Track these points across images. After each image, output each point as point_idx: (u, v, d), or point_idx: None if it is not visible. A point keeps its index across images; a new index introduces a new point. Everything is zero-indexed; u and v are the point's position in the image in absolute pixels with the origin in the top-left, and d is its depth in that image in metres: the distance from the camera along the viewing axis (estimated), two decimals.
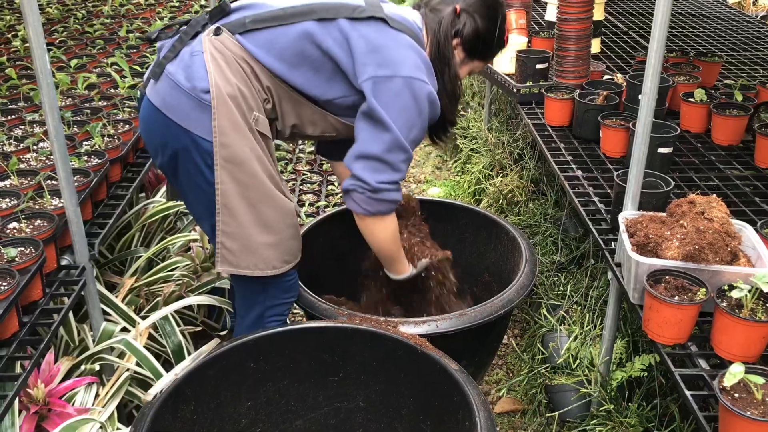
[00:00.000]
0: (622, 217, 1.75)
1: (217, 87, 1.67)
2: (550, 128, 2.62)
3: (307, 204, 3.49)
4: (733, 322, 1.42)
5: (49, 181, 2.03)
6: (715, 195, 1.68)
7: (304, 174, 3.84)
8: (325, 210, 3.44)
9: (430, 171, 4.15)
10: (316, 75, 1.76)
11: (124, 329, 2.07)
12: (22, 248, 1.73)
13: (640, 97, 2.37)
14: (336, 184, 3.71)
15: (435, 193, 3.83)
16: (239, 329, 1.97)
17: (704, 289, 1.51)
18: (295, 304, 1.98)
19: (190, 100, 1.68)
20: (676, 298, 1.50)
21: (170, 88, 1.70)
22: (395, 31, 1.75)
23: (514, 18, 3.24)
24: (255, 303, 1.91)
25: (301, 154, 4.09)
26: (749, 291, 1.41)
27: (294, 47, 1.73)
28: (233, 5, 1.82)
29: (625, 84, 2.58)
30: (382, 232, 1.87)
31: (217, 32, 1.73)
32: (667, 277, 1.56)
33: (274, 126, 1.85)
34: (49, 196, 1.96)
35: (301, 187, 3.68)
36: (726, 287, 1.49)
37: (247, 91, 1.72)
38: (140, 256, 2.48)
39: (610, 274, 1.87)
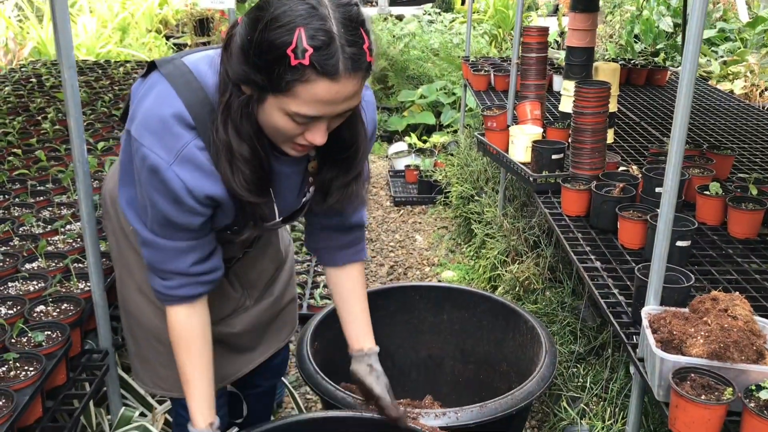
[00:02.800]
0: (645, 312, 1.76)
1: (104, 184, 1.64)
2: (567, 218, 2.66)
3: (321, 286, 3.50)
4: (762, 423, 1.40)
5: (76, 264, 2.06)
6: (737, 293, 1.69)
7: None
8: None
9: (443, 254, 4.17)
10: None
11: (142, 413, 2.06)
12: (49, 332, 1.74)
13: (657, 190, 2.43)
14: None
15: (449, 276, 3.84)
16: None
17: (731, 389, 1.50)
18: (311, 391, 1.96)
19: None
20: (704, 397, 1.49)
21: None
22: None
23: (529, 109, 3.34)
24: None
25: None
26: None
27: None
28: None
29: (640, 176, 2.63)
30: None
31: None
32: (692, 375, 1.56)
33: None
34: (76, 280, 1.98)
35: (315, 268, 3.70)
36: (753, 387, 1.48)
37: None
38: None
39: (632, 369, 1.86)
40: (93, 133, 3.30)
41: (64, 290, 1.95)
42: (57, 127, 3.34)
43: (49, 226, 2.31)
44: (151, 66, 1.41)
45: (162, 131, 1.29)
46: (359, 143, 1.42)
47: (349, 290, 1.75)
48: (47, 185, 2.68)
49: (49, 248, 2.16)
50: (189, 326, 1.48)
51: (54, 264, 2.08)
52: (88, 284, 1.91)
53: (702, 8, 1.53)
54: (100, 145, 3.05)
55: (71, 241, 2.23)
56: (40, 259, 2.08)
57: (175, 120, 1.29)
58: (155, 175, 1.31)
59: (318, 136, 1.26)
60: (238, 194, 1.33)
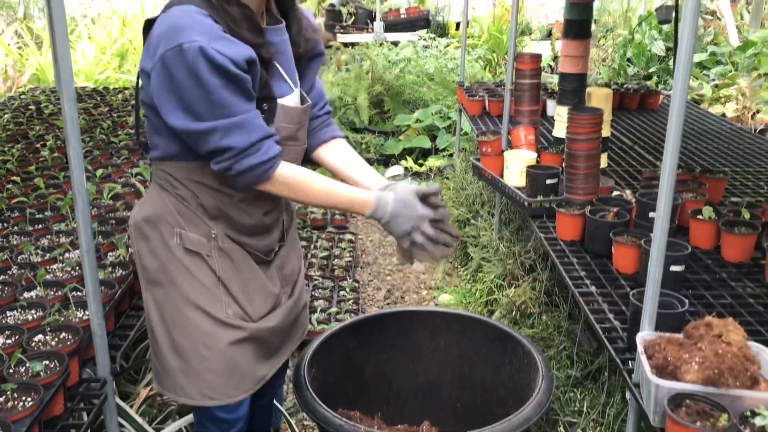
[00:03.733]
0: (640, 338, 1.77)
1: (133, 214, 1.74)
2: (562, 243, 2.68)
3: (318, 310, 3.50)
4: None
5: (74, 293, 2.07)
6: (731, 318, 1.71)
7: (315, 279, 3.88)
8: (337, 317, 3.46)
9: (440, 277, 4.18)
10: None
11: None
12: (47, 362, 1.75)
13: (651, 214, 2.46)
14: (348, 290, 3.74)
15: (446, 300, 3.85)
16: None
17: (726, 415, 1.51)
18: (308, 418, 1.97)
19: None
20: (699, 423, 1.51)
21: None
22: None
23: (523, 134, 3.38)
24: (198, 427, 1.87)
25: (313, 259, 4.14)
26: None
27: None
28: None
29: (634, 201, 2.65)
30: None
31: None
32: (687, 401, 1.57)
33: (224, 223, 1.74)
34: (74, 308, 1.99)
35: (312, 293, 3.71)
36: (748, 413, 1.50)
37: (171, 206, 1.70)
38: None
39: (628, 394, 1.87)
40: (91, 160, 3.32)
41: (62, 319, 1.96)
42: (56, 154, 3.37)
43: (48, 255, 2.32)
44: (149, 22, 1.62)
45: (192, 22, 1.50)
46: None
47: (347, 155, 1.90)
48: (46, 213, 2.70)
49: (48, 277, 2.17)
50: (297, 169, 1.67)
51: (52, 292, 2.09)
52: (87, 312, 1.92)
53: (692, 33, 1.56)
54: (99, 172, 3.07)
55: (70, 269, 2.24)
56: (38, 288, 2.09)
57: (197, 13, 1.52)
58: (201, 59, 1.48)
59: None
60: (246, 38, 1.56)
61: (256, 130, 1.57)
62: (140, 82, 1.66)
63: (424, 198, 1.70)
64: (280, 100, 1.68)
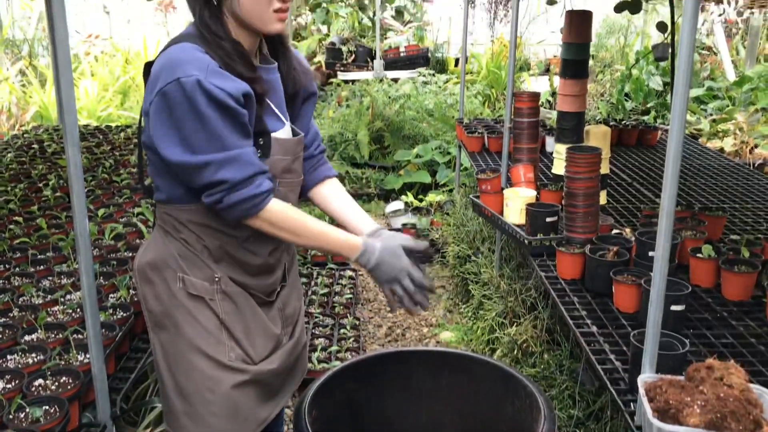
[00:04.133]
0: (641, 381, 1.77)
1: (137, 259, 1.76)
2: (562, 281, 2.68)
3: (319, 348, 3.49)
4: None
5: (75, 335, 2.08)
6: (732, 361, 1.71)
7: (316, 317, 3.87)
8: (338, 355, 3.44)
9: (441, 314, 4.18)
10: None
11: None
12: (47, 407, 1.75)
13: (650, 254, 2.46)
14: (348, 328, 3.73)
15: (447, 338, 3.84)
16: None
17: None
18: None
19: None
20: None
21: None
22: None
23: (522, 172, 3.40)
24: None
25: (313, 296, 4.14)
26: None
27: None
28: None
29: (633, 239, 2.66)
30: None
31: None
32: None
33: (227, 264, 1.76)
34: (75, 351, 1.99)
35: (313, 330, 3.70)
36: None
37: (174, 251, 1.72)
38: (155, 407, 2.48)
39: None
40: (93, 199, 3.35)
41: (63, 363, 1.95)
42: (58, 194, 3.39)
43: (49, 296, 2.33)
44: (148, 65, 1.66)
45: (189, 57, 1.55)
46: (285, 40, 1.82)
47: (338, 194, 1.95)
48: (48, 254, 2.71)
49: (49, 319, 2.18)
50: (288, 206, 1.68)
51: (53, 335, 2.09)
52: (88, 356, 1.92)
53: (687, 70, 1.59)
54: (101, 212, 3.09)
55: (71, 311, 2.25)
56: (39, 331, 2.09)
57: (193, 49, 1.57)
58: (198, 92, 1.52)
59: None
60: (241, 72, 1.61)
61: (250, 165, 1.61)
62: (142, 122, 1.69)
63: (410, 252, 1.75)
64: (273, 134, 1.72)
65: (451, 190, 5.63)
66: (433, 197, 5.49)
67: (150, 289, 1.74)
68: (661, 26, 3.77)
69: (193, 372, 1.72)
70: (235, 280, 1.76)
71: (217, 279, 1.73)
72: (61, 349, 2.00)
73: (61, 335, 2.07)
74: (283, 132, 1.77)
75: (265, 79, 1.71)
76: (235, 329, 1.75)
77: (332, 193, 1.95)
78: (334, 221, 1.91)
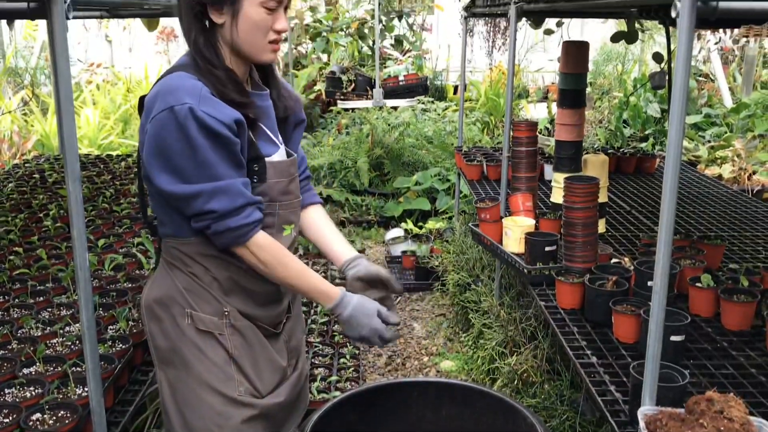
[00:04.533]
0: (641, 413, 1.76)
1: (144, 295, 1.78)
2: (562, 311, 2.68)
3: (318, 379, 3.48)
4: None
5: (74, 368, 2.07)
6: (732, 394, 1.70)
7: (315, 346, 3.86)
8: (337, 385, 3.43)
9: (442, 343, 4.16)
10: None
11: None
12: None
13: (649, 283, 2.47)
14: (348, 357, 3.72)
15: (448, 367, 3.82)
16: None
17: None
18: None
19: None
20: None
21: None
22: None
23: (521, 200, 3.41)
24: None
25: (312, 325, 4.13)
26: None
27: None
28: None
29: (632, 268, 2.67)
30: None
31: None
32: None
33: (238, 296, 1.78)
34: (73, 385, 1.99)
35: (312, 360, 3.68)
36: None
37: (181, 286, 1.72)
38: None
39: None
40: (93, 229, 3.36)
41: (61, 397, 1.95)
42: (58, 224, 3.40)
43: (48, 328, 2.33)
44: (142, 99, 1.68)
45: (182, 85, 1.58)
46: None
47: (320, 221, 1.99)
48: (47, 285, 2.71)
49: (48, 351, 2.18)
50: (274, 242, 1.70)
51: (52, 368, 2.09)
52: (86, 389, 1.91)
53: (682, 100, 1.60)
54: (101, 242, 3.10)
55: (70, 343, 2.25)
56: (38, 364, 2.09)
57: (186, 77, 1.60)
58: (190, 121, 1.54)
59: (282, 22, 1.67)
60: (233, 98, 1.63)
61: (240, 196, 1.62)
62: (142, 160, 1.70)
63: (383, 318, 1.81)
64: (267, 159, 1.73)
65: (450, 218, 5.64)
66: (432, 224, 5.50)
67: (157, 326, 1.74)
68: (657, 57, 3.81)
69: (202, 408, 1.72)
70: (243, 312, 1.77)
71: (226, 313, 1.73)
72: (59, 383, 2.00)
73: (59, 368, 2.07)
74: (277, 155, 1.79)
75: (257, 105, 1.75)
76: (243, 363, 1.75)
77: (316, 219, 1.99)
78: (314, 247, 1.95)
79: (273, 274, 1.72)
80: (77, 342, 2.23)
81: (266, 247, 1.68)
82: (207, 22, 1.66)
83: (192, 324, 1.71)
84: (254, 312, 1.79)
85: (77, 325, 2.35)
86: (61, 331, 2.31)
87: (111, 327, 2.38)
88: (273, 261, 1.69)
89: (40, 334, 2.28)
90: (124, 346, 2.24)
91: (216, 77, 1.64)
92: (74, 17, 1.66)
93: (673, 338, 2.21)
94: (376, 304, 1.82)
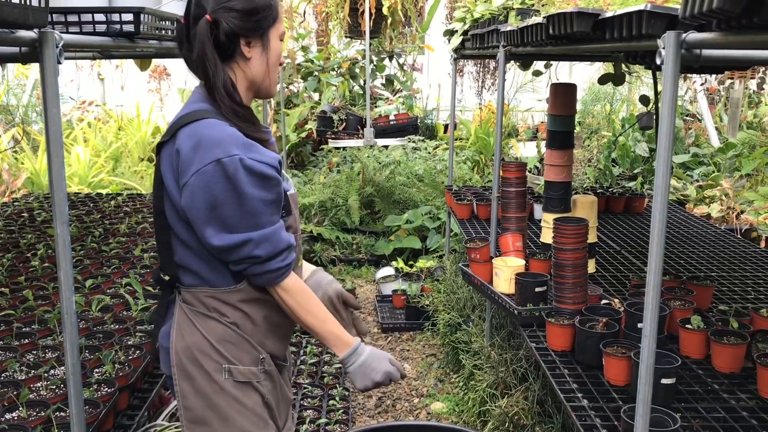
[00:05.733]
0: None
1: (175, 346, 1.70)
2: (552, 353, 2.67)
3: (307, 421, 3.43)
4: None
5: (58, 413, 2.04)
6: None
7: (305, 387, 3.81)
8: (326, 428, 3.38)
9: (432, 384, 4.12)
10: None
11: None
12: None
13: (639, 325, 2.46)
14: (338, 399, 3.68)
15: (438, 408, 3.78)
16: None
17: None
18: None
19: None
20: None
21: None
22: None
23: (511, 241, 3.42)
24: None
25: (302, 366, 4.08)
26: None
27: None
28: None
29: (623, 310, 2.66)
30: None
31: None
32: None
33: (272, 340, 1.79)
34: (57, 431, 1.95)
35: (301, 402, 3.63)
36: None
37: (215, 337, 1.69)
38: None
39: None
40: (81, 269, 3.33)
41: None
42: (46, 264, 3.38)
43: (33, 372, 2.29)
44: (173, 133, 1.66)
45: (224, 135, 1.58)
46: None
47: None
48: (33, 326, 2.68)
49: (32, 396, 2.14)
50: (301, 285, 1.74)
51: (35, 413, 2.05)
52: None
53: (668, 142, 1.62)
54: (89, 282, 3.08)
55: (54, 387, 2.21)
56: (21, 409, 2.05)
57: (220, 124, 1.60)
58: (240, 172, 1.56)
59: (282, 50, 1.75)
60: (259, 138, 1.66)
61: (282, 240, 1.66)
62: (166, 211, 1.66)
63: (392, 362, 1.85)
64: (288, 192, 1.77)
65: (441, 256, 5.64)
66: (423, 263, 5.49)
67: (189, 385, 1.69)
68: (644, 99, 3.86)
69: None
70: (273, 354, 1.79)
71: (262, 359, 1.74)
72: (42, 429, 1.96)
73: (43, 413, 2.03)
74: (291, 188, 1.83)
75: (272, 142, 1.79)
76: (273, 405, 1.78)
77: None
78: None
79: (296, 314, 1.73)
80: (62, 385, 2.20)
81: (292, 291, 1.71)
82: (236, 58, 1.67)
83: (230, 378, 1.69)
84: (280, 349, 1.82)
85: (62, 368, 2.32)
86: (46, 375, 2.28)
87: (97, 370, 2.35)
88: (300, 303, 1.72)
89: (24, 377, 2.25)
90: (109, 390, 2.21)
91: (240, 118, 1.65)
92: (67, 59, 1.68)
93: (664, 381, 2.20)
94: (389, 356, 1.85)
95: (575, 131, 5.16)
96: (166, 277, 1.71)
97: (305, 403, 3.61)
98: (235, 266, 1.65)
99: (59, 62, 1.59)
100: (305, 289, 1.74)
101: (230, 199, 1.56)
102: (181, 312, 1.71)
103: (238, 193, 1.56)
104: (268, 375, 1.76)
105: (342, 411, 3.54)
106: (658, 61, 1.60)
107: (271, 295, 1.73)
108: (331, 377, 3.94)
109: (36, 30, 1.55)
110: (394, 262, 5.71)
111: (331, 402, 3.65)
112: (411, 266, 5.58)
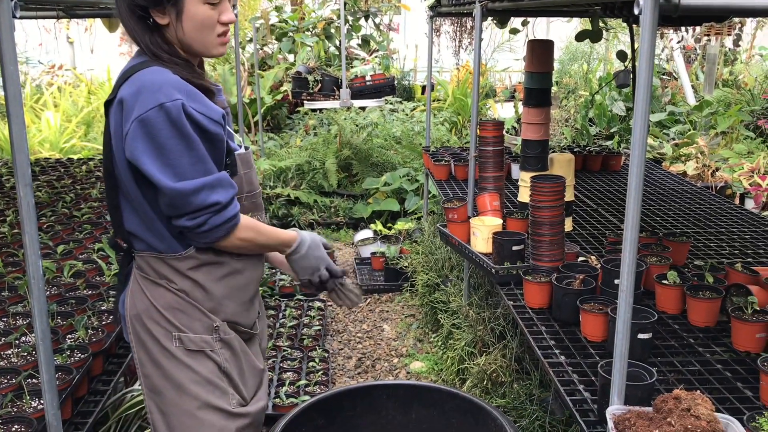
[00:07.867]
0: (610, 413, 1.75)
1: (129, 314, 1.70)
2: (530, 310, 2.67)
3: (287, 383, 3.43)
4: None
5: (30, 380, 2.00)
6: (699, 391, 1.70)
7: (284, 350, 3.81)
8: (306, 389, 3.38)
9: (411, 344, 4.14)
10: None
11: None
12: None
13: (616, 281, 2.47)
14: (317, 360, 3.68)
15: (418, 368, 3.80)
16: None
17: None
18: None
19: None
20: None
21: None
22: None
23: (489, 200, 3.40)
24: None
25: (281, 329, 4.07)
26: None
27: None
28: None
29: (599, 267, 2.67)
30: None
31: None
32: None
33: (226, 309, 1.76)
34: (29, 397, 1.92)
35: (281, 364, 3.63)
36: None
37: (164, 304, 1.68)
38: None
39: None
40: (53, 236, 3.26)
41: (15, 410, 1.88)
42: (16, 230, 3.31)
43: (3, 339, 2.25)
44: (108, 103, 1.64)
45: (166, 80, 1.55)
46: None
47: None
48: (3, 293, 2.63)
49: (2, 363, 2.10)
50: (245, 216, 1.71)
51: (6, 380, 2.01)
52: (42, 402, 1.85)
53: (646, 94, 1.59)
54: (60, 248, 3.02)
55: (26, 354, 2.17)
56: None
57: (162, 70, 1.58)
58: (183, 117, 1.52)
59: (228, 13, 1.65)
60: (204, 84, 1.64)
61: (231, 186, 1.64)
62: (115, 170, 1.62)
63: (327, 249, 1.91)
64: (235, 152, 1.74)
65: (419, 218, 5.63)
66: (401, 225, 5.47)
67: (145, 354, 1.69)
68: (621, 55, 3.83)
69: (202, 428, 1.69)
70: (231, 322, 1.75)
71: (216, 327, 1.71)
72: (13, 395, 1.93)
73: (14, 380, 2.00)
74: (239, 147, 1.80)
75: (221, 98, 1.74)
76: (232, 374, 1.75)
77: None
78: None
79: (255, 245, 1.73)
80: (33, 352, 2.16)
81: (251, 227, 1.70)
82: (151, 23, 1.63)
83: (181, 346, 1.68)
84: (239, 317, 1.78)
85: (33, 335, 2.28)
86: (17, 342, 2.23)
87: (69, 336, 2.31)
88: (258, 236, 1.72)
89: None
90: (82, 356, 2.18)
91: (180, 66, 1.63)
92: (29, 17, 1.61)
93: (641, 336, 2.21)
94: (321, 238, 1.90)
95: (552, 90, 5.13)
96: (124, 244, 1.68)
97: (285, 366, 3.61)
98: (189, 221, 1.58)
99: (14, 16, 1.52)
100: (250, 220, 1.72)
101: (178, 146, 1.53)
102: (134, 278, 1.70)
103: (185, 138, 1.53)
104: (225, 343, 1.73)
105: (322, 372, 3.54)
106: (636, 11, 1.56)
107: (222, 258, 1.69)
108: (310, 339, 3.94)
109: None
110: (372, 225, 5.69)
111: (310, 364, 3.65)
112: (389, 228, 5.56)
